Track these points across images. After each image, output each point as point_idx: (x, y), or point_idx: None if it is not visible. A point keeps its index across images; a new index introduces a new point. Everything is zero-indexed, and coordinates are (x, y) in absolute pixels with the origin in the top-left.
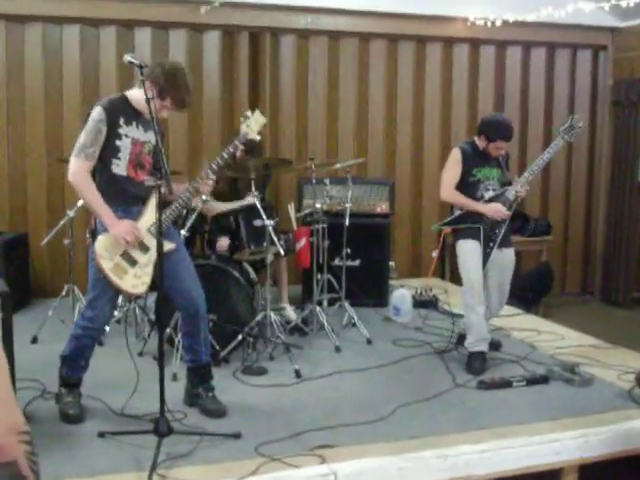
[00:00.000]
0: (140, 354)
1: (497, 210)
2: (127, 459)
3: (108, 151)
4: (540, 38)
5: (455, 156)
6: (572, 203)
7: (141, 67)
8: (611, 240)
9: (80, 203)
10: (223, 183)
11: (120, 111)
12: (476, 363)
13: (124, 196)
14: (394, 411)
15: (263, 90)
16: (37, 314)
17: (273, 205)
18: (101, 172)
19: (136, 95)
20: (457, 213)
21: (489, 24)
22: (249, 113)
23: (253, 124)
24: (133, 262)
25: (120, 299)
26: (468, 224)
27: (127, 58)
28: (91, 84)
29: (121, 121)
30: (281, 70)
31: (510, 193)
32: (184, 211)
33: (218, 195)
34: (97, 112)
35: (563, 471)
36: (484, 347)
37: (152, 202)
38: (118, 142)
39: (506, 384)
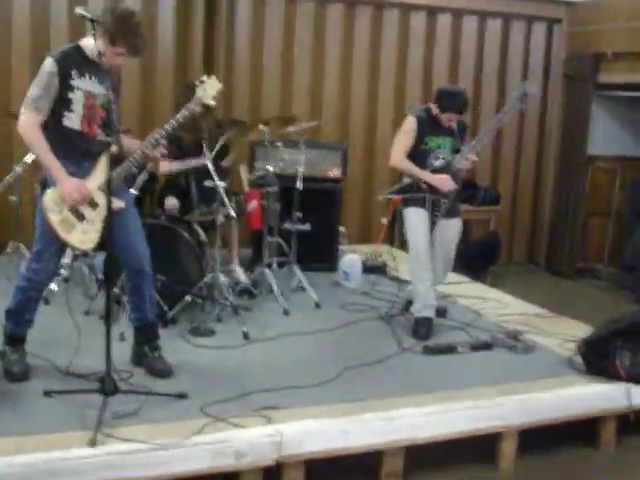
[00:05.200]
0: (87, 313)
1: (445, 181)
2: (72, 418)
3: (59, 104)
4: (496, 8)
5: (409, 125)
6: (521, 174)
7: (93, 21)
8: (558, 212)
9: (28, 159)
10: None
11: (73, 63)
12: (422, 329)
13: (75, 151)
14: (340, 374)
15: (217, 50)
16: None
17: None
18: (52, 125)
19: (90, 43)
20: (405, 181)
21: None
22: (205, 78)
23: (209, 89)
24: (81, 217)
25: (68, 258)
26: (415, 193)
27: (78, 11)
28: (42, 35)
29: (73, 73)
30: (236, 31)
31: (458, 162)
32: (136, 170)
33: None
34: (49, 64)
35: (503, 435)
36: (430, 313)
37: (103, 159)
38: (70, 95)
39: (451, 349)
